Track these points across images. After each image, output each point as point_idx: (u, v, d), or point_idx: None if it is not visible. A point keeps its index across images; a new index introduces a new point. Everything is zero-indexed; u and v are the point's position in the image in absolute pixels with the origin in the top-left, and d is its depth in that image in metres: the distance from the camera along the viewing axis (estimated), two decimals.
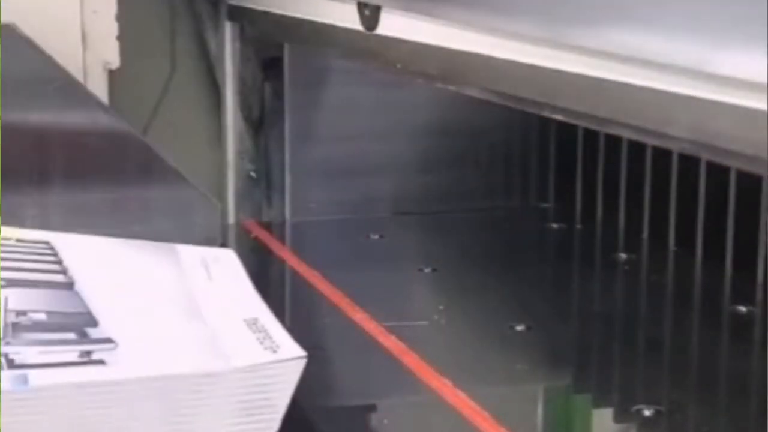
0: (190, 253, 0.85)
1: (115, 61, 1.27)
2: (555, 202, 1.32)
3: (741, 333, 0.95)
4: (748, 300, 0.99)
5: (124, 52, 1.27)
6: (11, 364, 0.65)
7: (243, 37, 1.34)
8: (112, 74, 1.27)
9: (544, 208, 1.32)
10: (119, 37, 1.27)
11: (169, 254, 0.85)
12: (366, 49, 1.00)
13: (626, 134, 0.72)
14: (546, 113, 0.78)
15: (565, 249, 1.21)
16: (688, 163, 1.10)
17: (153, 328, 0.72)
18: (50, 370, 0.66)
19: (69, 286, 0.76)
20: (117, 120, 1.22)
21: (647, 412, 0.78)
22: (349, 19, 1.01)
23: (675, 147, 0.79)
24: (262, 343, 0.71)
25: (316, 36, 1.10)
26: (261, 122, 1.36)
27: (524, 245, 1.22)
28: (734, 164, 0.63)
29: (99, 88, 1.25)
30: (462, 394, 0.80)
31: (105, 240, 0.89)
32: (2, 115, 1.17)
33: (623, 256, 1.12)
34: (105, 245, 0.88)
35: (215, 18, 1.39)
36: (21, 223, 1.17)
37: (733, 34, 0.56)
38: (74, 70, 1.21)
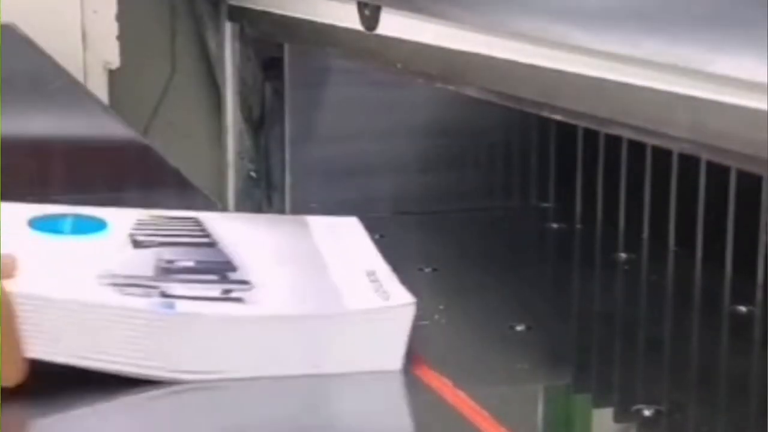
0: (318, 221, 1.00)
1: (115, 61, 1.27)
2: (555, 202, 1.32)
3: (741, 333, 0.95)
4: (748, 300, 0.99)
5: (124, 52, 1.27)
6: (161, 294, 0.78)
7: (243, 37, 1.34)
8: (112, 74, 1.27)
9: (544, 208, 1.32)
10: (119, 37, 1.27)
11: (300, 222, 0.99)
12: (366, 49, 1.00)
13: (626, 134, 0.72)
14: (546, 113, 0.78)
15: (565, 249, 1.21)
16: (688, 163, 1.10)
17: (285, 277, 0.85)
18: (195, 302, 0.78)
19: (212, 245, 0.90)
20: (117, 120, 1.22)
21: (647, 412, 0.78)
22: (349, 18, 1.01)
23: (675, 147, 0.79)
24: (377, 291, 0.84)
25: (316, 36, 1.10)
26: (261, 122, 1.36)
27: (524, 245, 1.22)
28: (734, 164, 0.63)
29: (99, 88, 1.25)
30: (462, 394, 0.80)
31: (242, 214, 1.11)
32: (2, 115, 1.17)
33: (623, 255, 1.12)
34: (242, 218, 1.08)
35: (215, 18, 1.39)
36: None
37: (733, 34, 0.56)
38: (74, 70, 1.21)
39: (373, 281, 0.86)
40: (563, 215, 1.26)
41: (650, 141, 0.72)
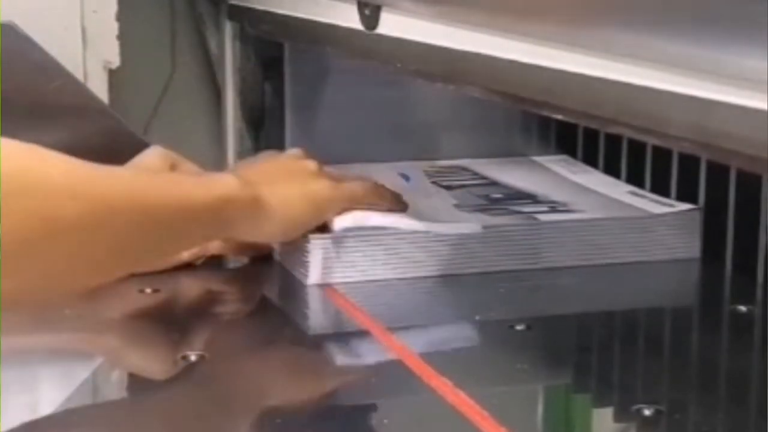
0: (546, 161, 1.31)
1: (115, 61, 1.27)
2: None
3: (741, 333, 0.95)
4: (748, 300, 0.99)
5: (124, 52, 1.27)
6: (518, 213, 1.12)
7: (243, 37, 1.34)
8: (112, 74, 1.27)
9: None
10: (119, 37, 1.27)
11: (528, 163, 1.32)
12: (366, 48, 1.00)
13: (627, 133, 0.72)
14: (546, 112, 0.78)
15: None
16: (688, 163, 1.10)
17: (578, 196, 1.16)
18: (548, 214, 1.10)
19: (495, 183, 1.24)
20: (117, 120, 1.22)
21: (647, 412, 0.78)
22: (349, 18, 1.01)
23: (675, 146, 0.79)
24: (657, 201, 1.12)
25: (316, 35, 1.10)
26: (261, 122, 1.36)
27: None
28: (734, 164, 0.63)
29: (99, 87, 1.25)
30: (462, 394, 0.80)
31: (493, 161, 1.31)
32: (2, 114, 1.17)
33: None
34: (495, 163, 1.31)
35: (215, 18, 1.39)
36: None
37: (735, 34, 0.56)
38: (74, 69, 1.21)
39: (641, 197, 1.14)
40: None
41: (650, 140, 0.72)
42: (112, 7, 1.26)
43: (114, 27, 1.26)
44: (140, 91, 1.39)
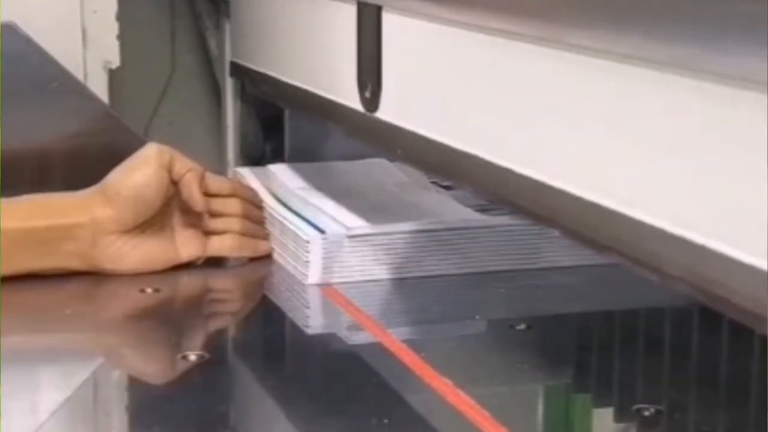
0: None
1: (115, 61, 1.27)
2: None
3: (741, 333, 0.95)
4: None
5: (124, 52, 1.27)
6: None
7: (244, 94, 1.33)
8: (112, 74, 1.27)
9: None
10: (119, 37, 1.27)
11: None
12: (367, 131, 0.98)
13: (621, 263, 0.69)
14: (543, 224, 0.76)
15: None
16: None
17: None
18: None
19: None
20: (117, 120, 1.22)
21: (647, 412, 0.78)
22: (350, 97, 0.99)
23: (670, 284, 0.74)
24: None
25: (317, 108, 1.09)
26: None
27: None
28: (727, 312, 0.61)
29: (99, 87, 1.25)
30: (462, 394, 0.80)
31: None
32: (2, 114, 1.17)
33: None
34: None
35: (215, 18, 1.39)
36: None
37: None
38: (74, 69, 1.21)
39: None
40: None
41: (644, 274, 0.69)
42: (112, 7, 1.26)
43: (114, 27, 1.26)
44: (140, 91, 1.39)
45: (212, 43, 1.41)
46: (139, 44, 1.35)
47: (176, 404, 0.80)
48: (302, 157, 1.29)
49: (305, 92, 1.10)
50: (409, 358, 0.87)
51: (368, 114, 0.96)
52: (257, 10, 1.23)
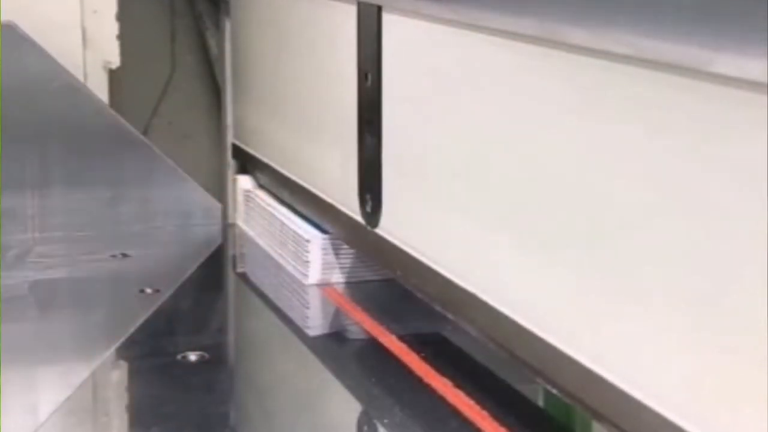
0: None
1: (115, 61, 1.27)
2: None
3: None
4: None
5: (124, 52, 1.27)
6: None
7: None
8: (112, 74, 1.27)
9: None
10: (119, 37, 1.26)
11: None
12: (367, 244, 0.95)
13: None
14: (539, 381, 0.73)
15: None
16: None
17: None
18: None
19: None
20: (117, 120, 1.22)
21: None
22: (351, 208, 0.96)
23: None
24: None
25: (320, 211, 1.05)
26: None
27: None
28: None
29: (99, 87, 1.25)
30: (462, 394, 0.80)
31: None
32: (3, 114, 1.17)
33: None
34: None
35: (215, 18, 1.39)
36: (22, 223, 1.17)
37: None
38: (74, 69, 1.21)
39: None
40: None
41: None
42: (112, 7, 1.26)
43: (114, 27, 1.26)
44: (140, 91, 1.39)
45: (212, 43, 1.41)
46: (139, 44, 1.35)
47: (176, 404, 0.80)
48: None
49: (309, 193, 1.07)
50: (409, 357, 0.87)
51: (369, 228, 0.94)
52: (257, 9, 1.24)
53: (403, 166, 0.88)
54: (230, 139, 1.31)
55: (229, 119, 1.32)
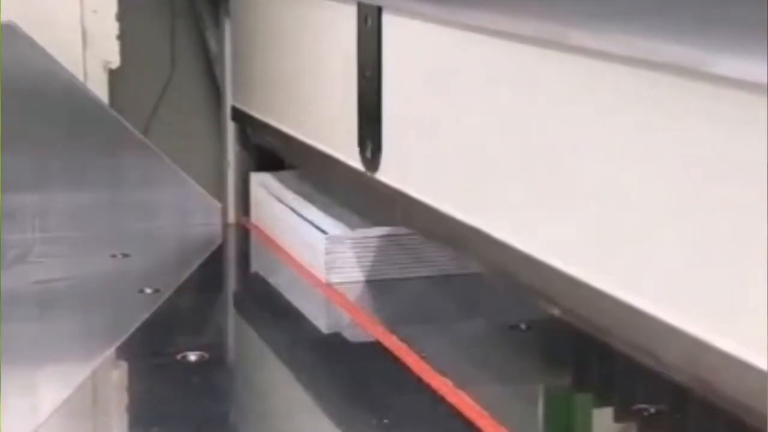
0: None
1: (115, 61, 1.27)
2: None
3: None
4: None
5: (124, 52, 1.27)
6: None
7: (244, 139, 1.32)
8: (112, 74, 1.27)
9: None
10: (119, 37, 1.26)
11: None
12: (367, 191, 0.95)
13: (619, 348, 0.68)
14: (542, 302, 0.73)
15: None
16: None
17: None
18: None
19: None
20: (117, 120, 1.22)
21: (647, 412, 0.77)
22: (350, 155, 0.97)
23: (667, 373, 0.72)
24: None
25: (318, 164, 1.06)
26: None
27: None
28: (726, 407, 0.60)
29: (99, 87, 1.25)
30: (462, 394, 0.80)
31: None
32: (3, 114, 1.17)
33: None
34: None
35: (215, 18, 1.39)
36: (21, 223, 1.17)
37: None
38: (74, 69, 1.21)
39: None
40: None
41: (646, 362, 0.68)
42: (112, 7, 1.26)
43: (114, 27, 1.26)
44: (140, 91, 1.39)
45: (212, 43, 1.41)
46: (139, 44, 1.35)
47: (176, 404, 0.80)
48: None
49: (305, 146, 1.08)
50: (409, 358, 0.87)
51: (369, 174, 0.94)
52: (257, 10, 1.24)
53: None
54: (229, 60, 1.32)
55: (228, 41, 1.33)
